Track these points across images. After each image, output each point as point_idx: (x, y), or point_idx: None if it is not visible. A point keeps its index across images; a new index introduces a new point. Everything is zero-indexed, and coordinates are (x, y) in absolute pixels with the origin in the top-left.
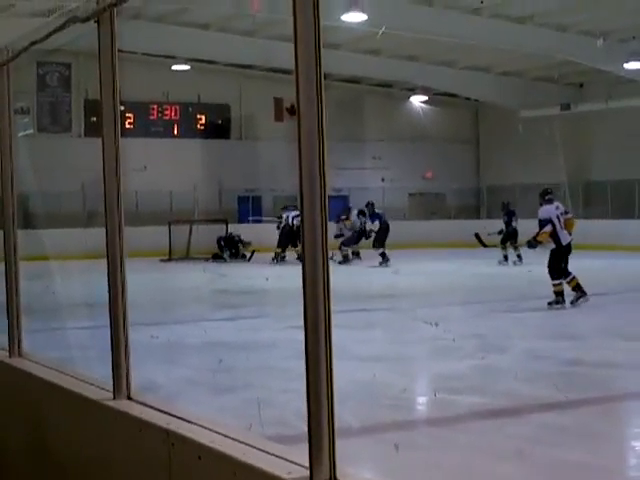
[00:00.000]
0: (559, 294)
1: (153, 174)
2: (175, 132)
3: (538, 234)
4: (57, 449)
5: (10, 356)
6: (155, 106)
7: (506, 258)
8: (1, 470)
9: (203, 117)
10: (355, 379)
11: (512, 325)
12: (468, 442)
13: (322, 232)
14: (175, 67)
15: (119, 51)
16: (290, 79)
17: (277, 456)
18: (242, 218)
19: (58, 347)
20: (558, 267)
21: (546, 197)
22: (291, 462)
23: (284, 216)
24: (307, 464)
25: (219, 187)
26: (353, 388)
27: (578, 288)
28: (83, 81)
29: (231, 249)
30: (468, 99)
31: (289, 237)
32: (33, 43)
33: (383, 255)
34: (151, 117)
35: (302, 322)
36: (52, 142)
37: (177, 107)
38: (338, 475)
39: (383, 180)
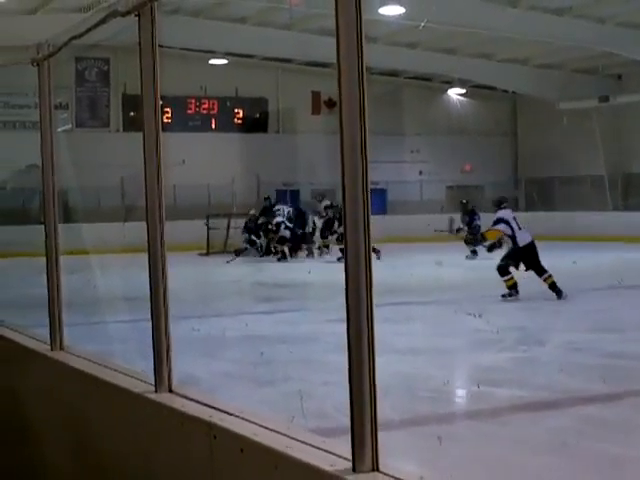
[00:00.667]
0: (512, 287)
1: (191, 168)
2: (213, 126)
3: (488, 230)
4: (98, 442)
5: (52, 349)
6: (193, 100)
7: (475, 252)
8: (42, 463)
9: (241, 111)
10: (396, 372)
11: (553, 317)
12: (508, 435)
13: (364, 225)
14: (213, 61)
15: (158, 46)
16: (328, 72)
17: (319, 448)
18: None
19: (99, 341)
20: (507, 266)
21: (501, 205)
22: (333, 454)
23: (283, 210)
24: (349, 456)
25: (257, 181)
26: (394, 381)
27: (513, 287)
28: (121, 76)
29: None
30: (506, 91)
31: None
32: (73, 38)
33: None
34: (189, 111)
35: (342, 315)
36: (90, 137)
37: (215, 101)
38: (381, 467)
39: (421, 173)
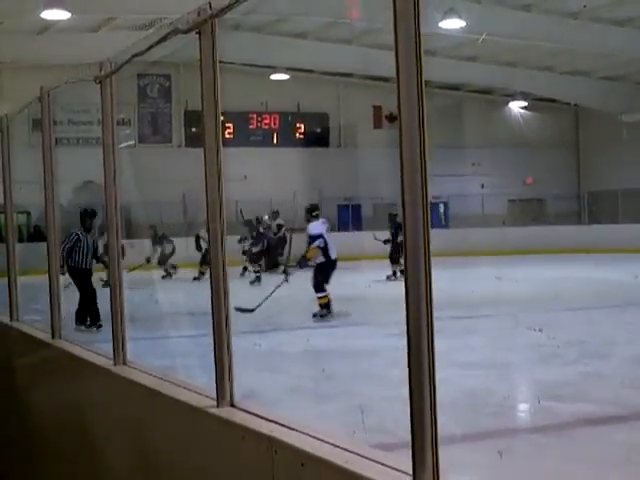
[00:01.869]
0: (325, 306)
1: (253, 183)
2: (274, 141)
3: (308, 251)
4: (160, 456)
5: (115, 364)
6: (255, 116)
7: (395, 274)
8: (106, 476)
9: (302, 126)
10: (458, 386)
11: (616, 331)
12: (573, 450)
13: (425, 239)
14: (274, 76)
15: (220, 62)
16: (389, 87)
17: (380, 463)
18: (341, 226)
19: (161, 355)
20: (323, 281)
21: (313, 213)
22: (394, 469)
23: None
24: (410, 471)
25: (318, 195)
26: (455, 396)
27: (327, 307)
28: (183, 92)
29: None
30: (568, 104)
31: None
32: (135, 55)
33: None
34: (250, 127)
35: (401, 330)
36: (153, 153)
37: (276, 116)
38: None
39: (483, 186)
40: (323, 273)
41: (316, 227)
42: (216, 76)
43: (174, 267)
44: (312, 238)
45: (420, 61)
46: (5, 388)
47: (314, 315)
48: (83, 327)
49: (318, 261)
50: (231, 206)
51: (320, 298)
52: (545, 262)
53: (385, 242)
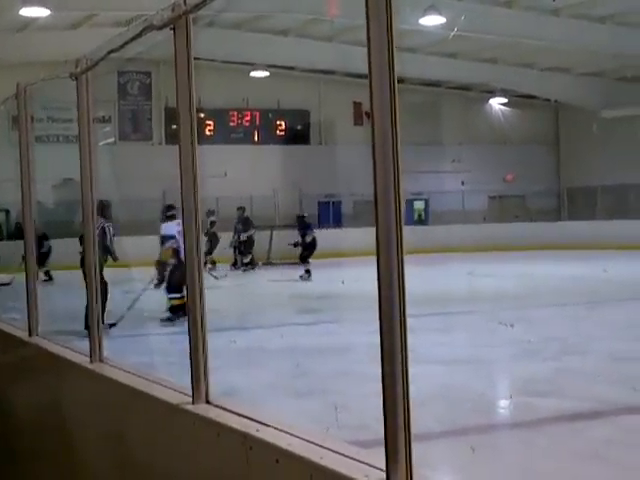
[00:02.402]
0: (177, 308)
1: (233, 180)
2: (255, 138)
3: (163, 252)
4: (136, 452)
5: (91, 361)
6: (235, 113)
7: (308, 272)
8: (83, 473)
9: (283, 123)
10: (436, 382)
11: (593, 327)
12: (549, 445)
13: (397, 236)
14: (254, 74)
15: (197, 58)
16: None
17: (354, 459)
18: (322, 223)
19: (138, 353)
20: (179, 282)
21: (168, 214)
22: (368, 465)
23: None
24: (384, 467)
25: (299, 192)
26: (433, 391)
27: (178, 310)
28: (163, 89)
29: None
30: (548, 100)
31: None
32: (111, 52)
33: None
34: (231, 124)
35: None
36: (133, 150)
37: (257, 113)
38: (415, 478)
39: (463, 183)
40: (177, 275)
41: (169, 228)
42: (190, 72)
43: None
44: (164, 238)
45: (392, 57)
46: None
47: (162, 320)
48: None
49: (171, 263)
50: (211, 202)
51: (172, 299)
52: (525, 259)
53: (295, 245)
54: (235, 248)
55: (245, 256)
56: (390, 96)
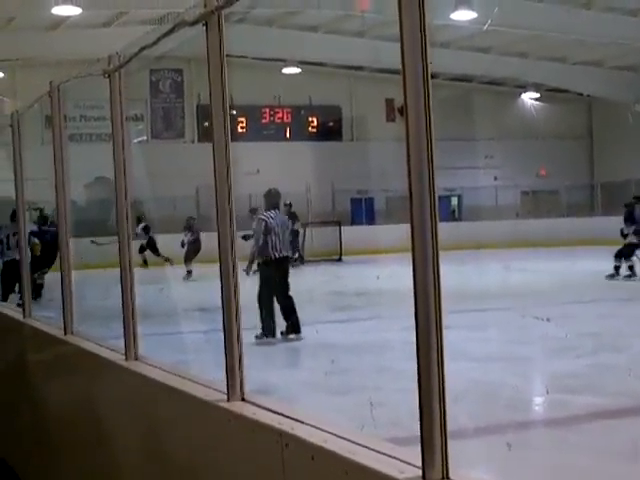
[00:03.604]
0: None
1: (266, 177)
2: (287, 135)
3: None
4: (171, 450)
5: (126, 359)
6: (267, 110)
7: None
8: (117, 470)
9: (315, 119)
10: (471, 379)
11: (627, 323)
12: (585, 442)
13: (432, 232)
14: (286, 70)
15: (229, 55)
16: (400, 79)
17: (389, 456)
18: (355, 220)
19: (173, 351)
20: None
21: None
22: (403, 462)
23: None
24: (419, 464)
25: (332, 189)
26: (468, 388)
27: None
28: (195, 87)
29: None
30: (580, 94)
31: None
32: (143, 49)
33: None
34: (263, 121)
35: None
36: (166, 148)
37: (289, 110)
38: (451, 475)
39: (496, 179)
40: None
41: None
42: (223, 68)
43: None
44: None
45: (425, 52)
46: (19, 384)
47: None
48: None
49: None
50: (244, 200)
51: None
52: (559, 254)
53: (182, 245)
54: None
55: (293, 251)
56: (424, 92)
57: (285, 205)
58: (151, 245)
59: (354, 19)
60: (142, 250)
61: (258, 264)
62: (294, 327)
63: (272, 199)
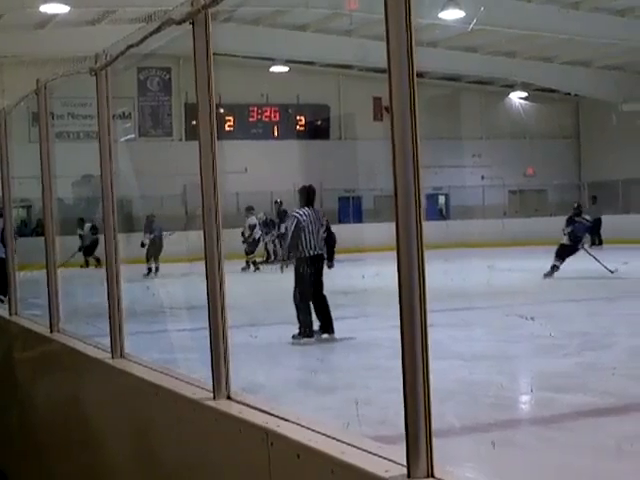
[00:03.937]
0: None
1: (253, 175)
2: (275, 133)
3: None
4: (158, 448)
5: (113, 357)
6: (255, 108)
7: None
8: (104, 469)
9: (302, 118)
10: (457, 378)
11: (613, 322)
12: (571, 440)
13: (417, 231)
14: (274, 69)
15: (216, 54)
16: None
17: (375, 454)
18: (342, 218)
19: (159, 349)
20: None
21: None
22: (389, 460)
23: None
24: (405, 462)
25: (319, 187)
26: (454, 386)
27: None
28: (183, 85)
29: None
30: (568, 94)
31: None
32: (130, 47)
33: None
34: (251, 119)
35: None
36: (153, 146)
37: (276, 109)
38: (436, 473)
39: (483, 178)
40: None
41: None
42: (210, 66)
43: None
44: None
45: (411, 52)
46: (5, 382)
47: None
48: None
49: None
50: (232, 198)
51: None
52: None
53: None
54: (272, 243)
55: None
56: (409, 91)
57: (275, 203)
58: (92, 246)
59: (342, 18)
60: (87, 251)
61: (284, 262)
62: (328, 327)
63: (306, 195)
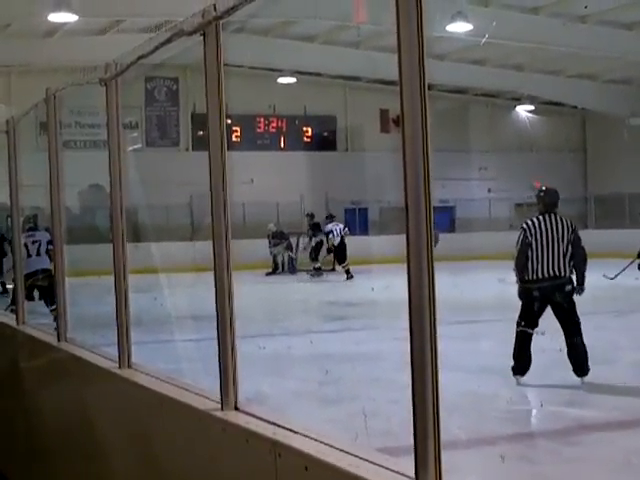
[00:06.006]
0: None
1: (260, 187)
2: (282, 145)
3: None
4: (165, 458)
5: (120, 367)
6: (262, 119)
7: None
8: (111, 478)
9: (309, 129)
10: (464, 391)
11: (619, 336)
12: (577, 455)
13: (427, 243)
14: (281, 80)
15: (225, 65)
16: (396, 90)
17: (383, 467)
18: (349, 230)
19: (167, 359)
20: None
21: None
22: (397, 472)
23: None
24: (413, 475)
25: (326, 199)
26: (461, 400)
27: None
28: (190, 95)
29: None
30: (575, 107)
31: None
32: (140, 57)
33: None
34: (258, 130)
35: (408, 333)
36: (160, 156)
37: (284, 120)
38: None
39: (490, 191)
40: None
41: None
42: (221, 78)
43: None
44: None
45: (423, 63)
46: (12, 391)
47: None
48: None
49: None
50: (238, 209)
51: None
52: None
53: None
54: (282, 255)
55: (315, 261)
56: (421, 103)
57: (307, 215)
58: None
59: (350, 30)
60: None
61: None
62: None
63: (547, 199)
